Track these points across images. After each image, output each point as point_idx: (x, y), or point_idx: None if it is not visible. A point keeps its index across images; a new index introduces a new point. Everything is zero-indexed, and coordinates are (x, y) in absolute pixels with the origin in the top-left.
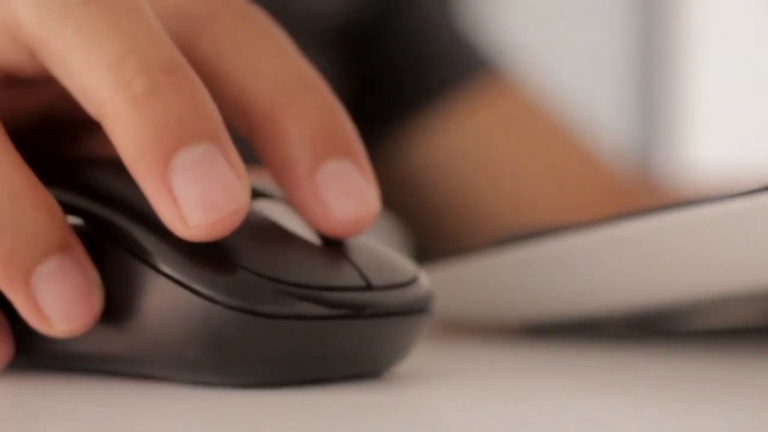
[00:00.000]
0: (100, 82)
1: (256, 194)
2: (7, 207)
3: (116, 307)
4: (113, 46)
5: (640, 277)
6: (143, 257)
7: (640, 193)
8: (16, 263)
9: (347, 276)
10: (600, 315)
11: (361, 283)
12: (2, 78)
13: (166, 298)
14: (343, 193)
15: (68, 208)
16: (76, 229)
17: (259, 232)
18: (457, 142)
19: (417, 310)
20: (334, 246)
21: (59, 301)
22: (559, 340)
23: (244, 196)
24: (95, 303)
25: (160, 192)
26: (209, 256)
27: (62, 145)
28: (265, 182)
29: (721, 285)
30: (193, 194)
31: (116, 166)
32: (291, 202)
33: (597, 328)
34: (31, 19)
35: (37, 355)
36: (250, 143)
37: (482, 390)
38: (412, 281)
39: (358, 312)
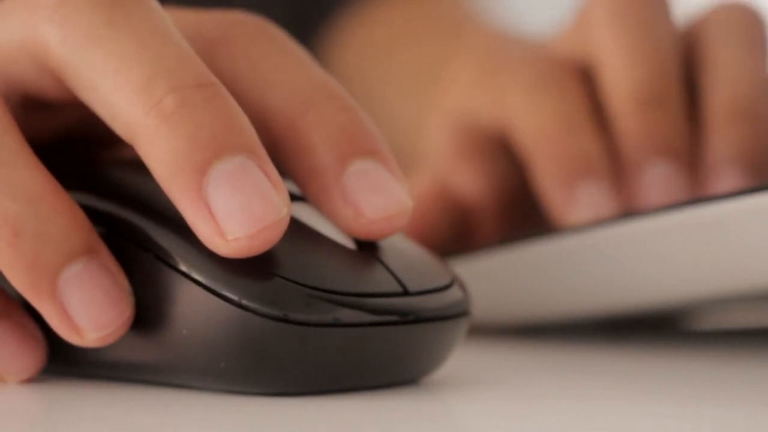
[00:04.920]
0: (130, 105)
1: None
2: (29, 212)
3: (147, 316)
4: (142, 68)
5: (641, 277)
6: (174, 264)
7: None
8: (40, 269)
9: (383, 281)
10: (600, 315)
11: (397, 288)
12: (25, 101)
13: (198, 306)
14: (372, 192)
15: (93, 214)
16: (102, 236)
17: (291, 236)
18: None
19: (454, 315)
20: (367, 250)
21: (87, 305)
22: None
23: (284, 207)
24: (125, 309)
25: (196, 206)
26: (242, 263)
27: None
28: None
29: (721, 285)
30: (231, 206)
31: (141, 168)
32: (320, 208)
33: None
34: (59, 46)
35: (67, 364)
36: (275, 156)
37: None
38: (449, 285)
39: (394, 318)
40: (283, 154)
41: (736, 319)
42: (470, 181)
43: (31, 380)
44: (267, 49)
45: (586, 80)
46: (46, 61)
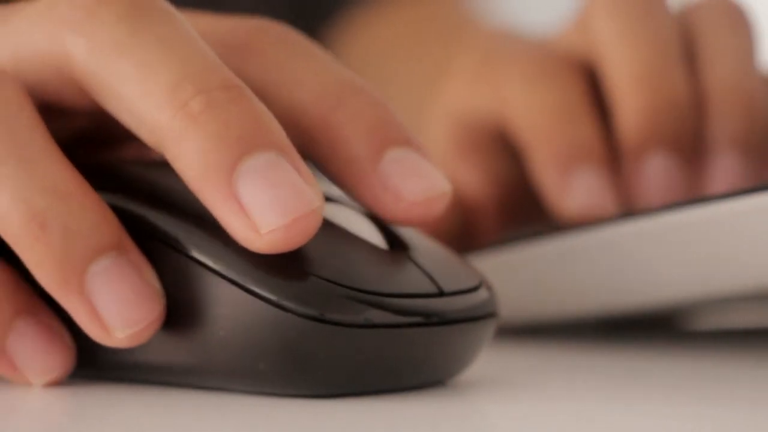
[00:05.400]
0: (157, 109)
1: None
2: (57, 207)
3: (181, 318)
4: (168, 73)
5: (641, 277)
6: (209, 265)
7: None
8: (69, 263)
9: (419, 282)
10: (600, 315)
11: (433, 289)
12: (42, 108)
13: (236, 307)
14: (410, 176)
15: (123, 216)
16: (133, 238)
17: (325, 237)
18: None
19: (486, 315)
20: (400, 250)
21: (115, 302)
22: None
23: (317, 199)
24: (154, 306)
25: (227, 203)
26: (276, 262)
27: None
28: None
29: (721, 285)
30: (263, 199)
31: (170, 169)
32: (358, 198)
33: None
34: (85, 57)
35: (98, 368)
36: (308, 155)
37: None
38: (479, 285)
39: (432, 319)
40: (317, 150)
41: (736, 319)
42: (470, 180)
43: (57, 383)
44: (291, 52)
45: (585, 74)
46: (70, 71)
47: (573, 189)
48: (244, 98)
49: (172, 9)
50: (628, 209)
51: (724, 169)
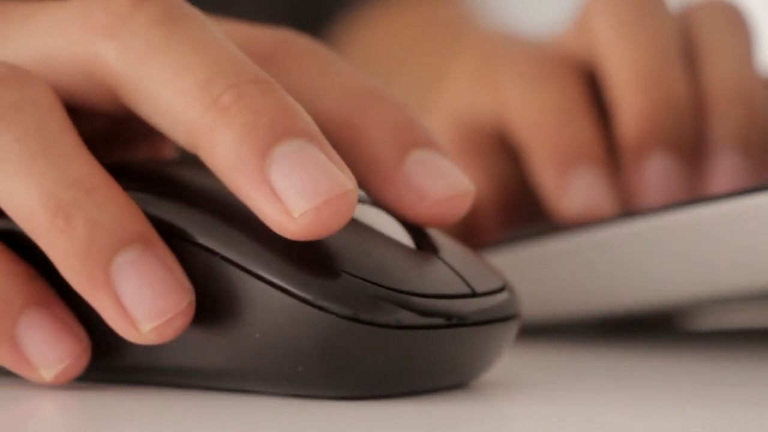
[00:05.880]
0: (190, 107)
1: None
2: (82, 200)
3: (214, 319)
4: (200, 72)
5: (641, 277)
6: (244, 266)
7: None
8: (94, 256)
9: (451, 283)
10: (600, 315)
11: (466, 290)
12: (68, 109)
13: (272, 309)
14: (434, 175)
15: (154, 216)
16: (164, 238)
17: (356, 236)
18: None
19: (513, 316)
20: (430, 251)
21: (141, 293)
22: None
23: (350, 183)
24: (182, 299)
25: (259, 189)
26: (309, 260)
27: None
28: None
29: (721, 285)
30: (294, 182)
31: (200, 169)
32: (383, 199)
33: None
34: (118, 62)
35: (127, 370)
36: None
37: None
38: (505, 285)
39: (465, 320)
40: (342, 152)
41: (736, 319)
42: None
43: (69, 378)
44: (316, 61)
45: (584, 75)
46: (102, 76)
47: (571, 189)
48: (274, 90)
49: (202, 15)
50: (628, 209)
51: (723, 169)
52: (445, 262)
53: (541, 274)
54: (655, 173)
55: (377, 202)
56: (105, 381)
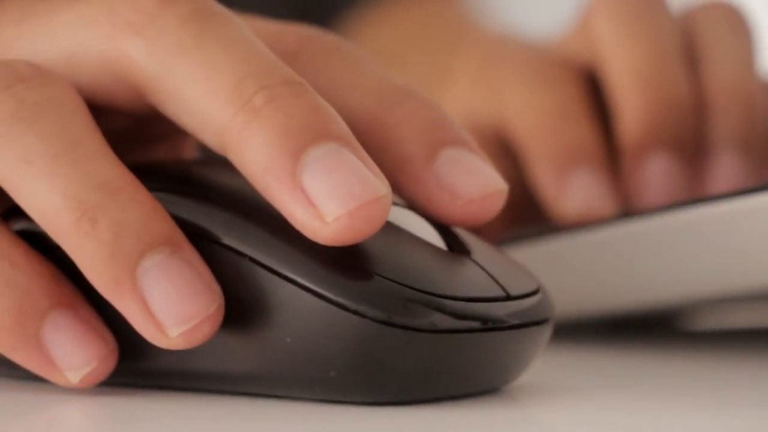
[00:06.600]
0: (220, 108)
1: None
2: (108, 202)
3: (244, 323)
4: (231, 73)
5: (640, 276)
6: (274, 268)
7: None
8: (120, 259)
9: (486, 285)
10: (599, 315)
11: (500, 293)
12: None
13: (304, 312)
14: (466, 174)
15: (178, 217)
16: (191, 240)
17: (388, 239)
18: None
19: (548, 318)
20: (462, 253)
21: (169, 297)
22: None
23: (383, 188)
24: (210, 302)
25: (292, 193)
26: (341, 263)
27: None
28: None
29: (721, 285)
30: (328, 186)
31: (227, 169)
32: (413, 199)
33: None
34: (146, 61)
35: (155, 375)
36: None
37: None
38: (539, 288)
39: (500, 323)
40: (371, 151)
41: (736, 319)
42: None
43: (95, 382)
44: (342, 58)
45: (584, 76)
46: (128, 74)
47: (570, 190)
48: (306, 92)
49: (231, 13)
50: (628, 209)
51: (723, 169)
52: (477, 264)
53: (540, 274)
54: (656, 173)
55: (407, 203)
56: (131, 385)
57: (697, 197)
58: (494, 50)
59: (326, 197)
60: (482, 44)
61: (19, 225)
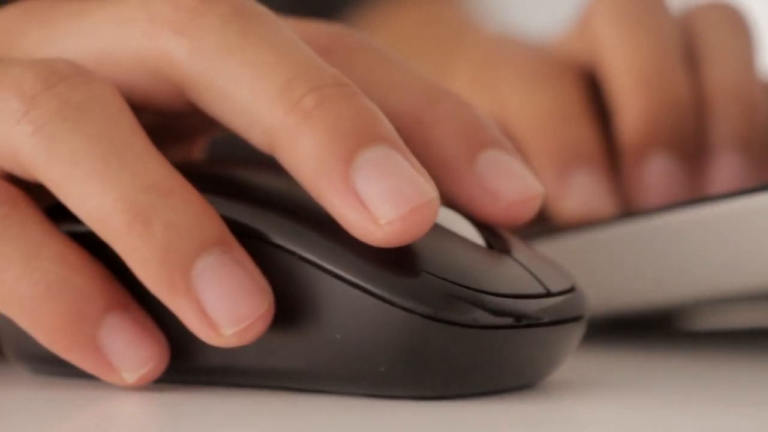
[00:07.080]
0: (270, 108)
1: None
2: (159, 204)
3: (293, 320)
4: (279, 73)
5: (640, 277)
6: (323, 265)
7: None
8: (173, 261)
9: (527, 282)
10: (599, 315)
11: (540, 290)
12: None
13: (354, 309)
14: (506, 176)
15: (226, 217)
16: (239, 239)
17: (433, 235)
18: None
19: (584, 315)
20: (503, 250)
21: (223, 298)
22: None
23: (432, 191)
24: (262, 302)
25: (345, 196)
26: (388, 260)
27: None
28: None
29: (721, 285)
30: (381, 190)
31: (274, 169)
32: (453, 198)
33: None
34: (189, 59)
35: (204, 372)
36: None
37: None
38: (575, 285)
39: (541, 319)
40: (411, 150)
41: (736, 319)
42: None
43: (150, 380)
44: (376, 57)
45: (583, 76)
46: (170, 73)
47: (570, 190)
48: (355, 94)
49: (272, 13)
50: (628, 209)
51: (724, 169)
52: (518, 262)
53: None
54: (656, 173)
55: (447, 201)
56: (182, 382)
57: (697, 197)
58: (494, 50)
59: (379, 201)
60: (482, 44)
61: (66, 226)
